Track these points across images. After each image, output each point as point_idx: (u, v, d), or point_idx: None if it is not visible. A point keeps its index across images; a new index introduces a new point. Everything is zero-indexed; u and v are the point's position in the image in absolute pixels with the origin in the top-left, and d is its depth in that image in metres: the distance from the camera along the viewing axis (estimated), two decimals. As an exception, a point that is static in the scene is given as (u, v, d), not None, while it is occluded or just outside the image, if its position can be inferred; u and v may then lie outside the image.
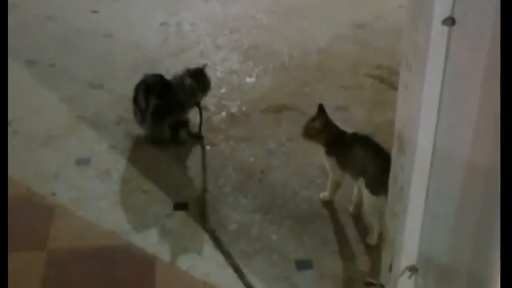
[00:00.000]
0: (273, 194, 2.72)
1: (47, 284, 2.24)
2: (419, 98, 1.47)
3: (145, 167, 2.88)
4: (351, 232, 2.53)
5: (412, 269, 1.67)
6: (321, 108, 2.55)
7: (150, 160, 2.93)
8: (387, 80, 3.64)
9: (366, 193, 2.39)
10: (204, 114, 3.26)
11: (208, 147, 3.03)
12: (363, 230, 2.51)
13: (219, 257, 2.36)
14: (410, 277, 1.67)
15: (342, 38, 4.20)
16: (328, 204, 2.65)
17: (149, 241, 2.43)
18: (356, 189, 2.55)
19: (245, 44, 4.10)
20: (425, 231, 1.60)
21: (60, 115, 3.25)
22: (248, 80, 3.65)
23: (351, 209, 2.62)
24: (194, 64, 3.76)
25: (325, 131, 2.54)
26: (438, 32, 1.37)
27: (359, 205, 2.57)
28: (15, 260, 2.33)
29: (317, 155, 2.61)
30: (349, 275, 2.29)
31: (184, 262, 2.34)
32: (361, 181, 2.41)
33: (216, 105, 3.37)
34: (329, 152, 2.54)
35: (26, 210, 2.62)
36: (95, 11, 4.58)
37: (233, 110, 3.33)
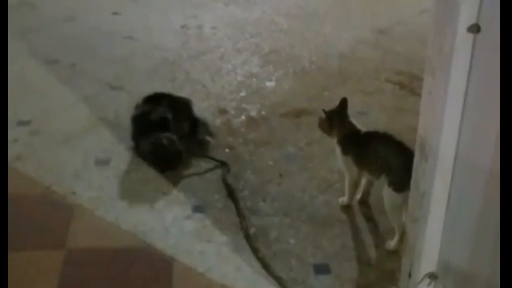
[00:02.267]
0: (291, 198, 2.72)
1: (65, 283, 2.24)
2: (443, 105, 1.46)
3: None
4: (370, 237, 2.51)
5: (432, 276, 1.66)
6: (343, 102, 2.53)
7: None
8: (408, 86, 3.63)
9: (389, 191, 2.34)
10: (223, 117, 3.28)
11: (227, 150, 3.03)
12: (381, 236, 2.50)
13: (237, 260, 2.36)
14: (429, 284, 1.66)
15: (363, 43, 4.19)
16: (347, 208, 2.64)
17: (167, 243, 2.43)
18: (365, 180, 2.57)
19: (265, 48, 4.10)
20: (446, 237, 1.59)
21: (80, 115, 3.27)
22: (268, 84, 3.65)
23: (358, 197, 2.64)
24: (214, 67, 3.80)
25: (336, 127, 2.53)
26: (463, 39, 1.37)
27: (366, 193, 2.62)
28: (33, 259, 2.36)
29: (336, 159, 2.59)
30: (367, 280, 2.28)
31: (202, 264, 2.34)
32: (383, 179, 2.37)
33: (235, 109, 3.38)
34: (345, 150, 2.52)
35: (46, 209, 2.64)
36: (116, 13, 4.61)
37: (253, 113, 3.33)
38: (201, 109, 3.36)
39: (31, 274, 2.29)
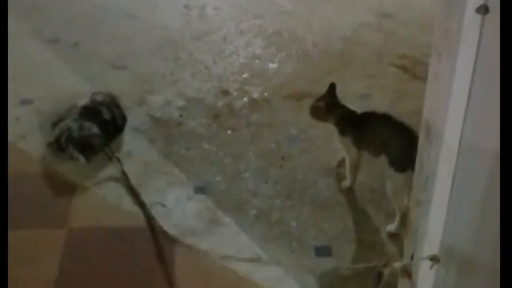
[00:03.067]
0: (293, 180, 2.72)
1: (67, 262, 2.26)
2: (449, 88, 1.45)
3: (166, 149, 2.89)
4: (371, 220, 2.52)
5: (434, 259, 1.66)
6: (331, 88, 2.56)
7: (171, 142, 2.93)
8: (411, 70, 3.61)
9: (390, 172, 2.35)
10: (226, 98, 3.27)
11: (229, 132, 3.03)
12: (383, 218, 2.50)
13: (239, 241, 2.36)
14: (431, 267, 1.66)
15: (367, 26, 4.16)
16: (349, 191, 2.65)
17: (170, 223, 2.44)
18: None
19: (269, 30, 4.08)
20: (449, 221, 1.59)
21: (82, 94, 3.26)
22: (270, 66, 3.64)
23: (336, 164, 2.70)
24: (217, 48, 3.79)
25: (331, 111, 2.55)
26: (471, 20, 1.35)
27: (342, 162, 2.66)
28: (36, 237, 2.37)
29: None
30: (368, 263, 2.28)
31: (204, 245, 2.35)
32: (384, 159, 2.38)
33: (238, 90, 3.37)
34: (343, 131, 2.54)
35: (48, 188, 2.64)
36: (119, -8, 4.59)
37: (255, 95, 3.33)
38: (204, 90, 3.35)
39: (33, 252, 2.30)
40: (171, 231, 2.40)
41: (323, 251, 2.34)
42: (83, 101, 2.97)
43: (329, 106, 2.55)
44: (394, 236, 2.39)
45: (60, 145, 2.78)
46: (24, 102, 3.19)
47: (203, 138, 2.98)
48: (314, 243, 2.38)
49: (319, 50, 3.85)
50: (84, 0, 4.43)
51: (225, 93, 3.34)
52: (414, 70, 3.58)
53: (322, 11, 4.40)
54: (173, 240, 2.36)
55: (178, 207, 2.53)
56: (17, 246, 2.30)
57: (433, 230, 1.63)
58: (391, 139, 2.37)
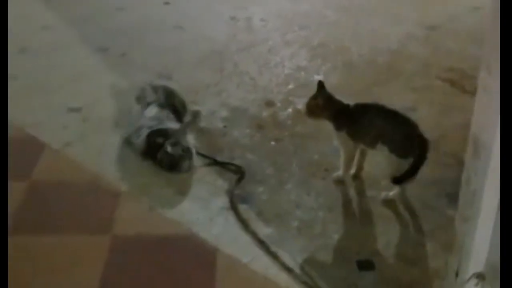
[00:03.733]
0: (336, 192, 2.70)
1: (109, 268, 2.27)
2: (498, 102, 1.42)
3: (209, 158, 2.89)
4: (415, 234, 2.48)
5: (480, 277, 1.63)
6: (320, 85, 2.63)
7: (214, 152, 2.93)
8: (458, 83, 3.56)
9: (392, 158, 2.47)
10: (270, 109, 3.28)
11: (272, 143, 3.02)
12: (428, 233, 2.46)
13: (280, 253, 2.35)
14: (477, 284, 1.63)
15: (414, 38, 4.13)
16: (392, 206, 2.61)
17: (212, 232, 2.44)
18: (359, 154, 2.69)
19: (314, 41, 4.08)
20: (496, 237, 1.56)
21: (129, 103, 3.29)
22: (316, 77, 3.62)
23: (352, 171, 2.73)
24: (263, 59, 3.80)
25: (327, 107, 2.62)
26: (522, 33, 1.33)
27: (360, 168, 2.73)
28: (79, 243, 2.40)
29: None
30: (412, 279, 2.24)
31: (245, 255, 2.34)
32: (382, 148, 2.49)
33: (282, 101, 3.37)
34: (338, 126, 2.61)
35: (93, 195, 2.67)
36: (166, 3, 4.65)
37: (300, 107, 3.31)
38: (248, 101, 3.36)
39: (76, 258, 2.32)
40: (212, 240, 2.40)
41: (365, 265, 2.31)
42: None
43: (325, 102, 2.61)
44: (439, 252, 2.34)
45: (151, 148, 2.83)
46: (72, 110, 3.24)
47: (246, 148, 2.98)
48: (356, 257, 2.35)
49: (364, 62, 3.83)
50: (132, 11, 4.50)
51: (270, 104, 3.34)
52: (462, 83, 3.53)
53: (368, 22, 4.38)
54: (214, 250, 2.36)
55: (221, 217, 2.53)
56: (61, 252, 2.33)
57: (479, 246, 1.60)
58: (387, 127, 2.49)
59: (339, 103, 2.62)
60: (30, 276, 2.22)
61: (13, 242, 2.35)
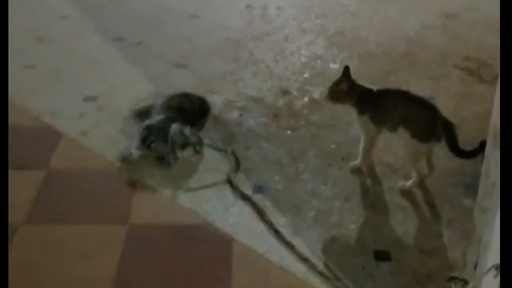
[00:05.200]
0: (353, 182, 2.69)
1: (126, 257, 2.28)
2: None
3: (225, 148, 2.88)
4: (433, 225, 2.47)
5: (499, 268, 1.61)
6: (346, 70, 2.63)
7: (230, 142, 2.93)
8: (476, 73, 3.53)
9: (413, 142, 2.48)
10: (286, 98, 3.26)
11: (289, 132, 3.01)
12: (445, 224, 2.45)
13: (295, 242, 2.34)
14: (496, 276, 1.61)
15: (431, 27, 4.09)
16: (410, 196, 2.59)
17: (228, 222, 2.44)
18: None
19: (331, 30, 4.05)
20: (516, 229, 1.54)
21: (145, 92, 3.30)
22: (332, 66, 3.60)
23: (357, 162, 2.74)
24: (278, 47, 3.78)
25: (351, 92, 2.61)
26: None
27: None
28: (96, 232, 2.41)
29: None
30: (429, 269, 2.23)
31: (261, 245, 2.34)
32: (403, 131, 2.49)
33: (298, 90, 3.35)
34: (361, 110, 2.62)
35: (109, 184, 2.68)
36: (182, -8, 4.63)
37: (316, 95, 3.30)
38: (264, 89, 3.35)
39: (94, 247, 2.33)
40: (228, 230, 2.40)
41: (382, 256, 2.30)
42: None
43: (349, 88, 2.61)
44: (456, 243, 2.33)
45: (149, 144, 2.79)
46: (88, 99, 3.24)
47: (262, 137, 2.97)
48: (373, 247, 2.34)
49: (382, 51, 3.80)
50: (148, 0, 4.49)
51: (286, 92, 3.33)
52: (479, 72, 3.50)
53: (386, 11, 4.34)
54: (230, 239, 2.36)
55: (236, 206, 2.53)
56: (77, 242, 2.35)
57: (498, 238, 1.58)
58: (410, 112, 2.49)
59: (362, 88, 2.63)
60: (47, 265, 2.23)
61: (31, 230, 2.38)
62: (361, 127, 2.67)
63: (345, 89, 2.61)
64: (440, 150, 2.56)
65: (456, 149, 2.47)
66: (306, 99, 3.28)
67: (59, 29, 4.03)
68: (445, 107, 3.11)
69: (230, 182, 2.64)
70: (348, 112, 3.07)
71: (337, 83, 2.65)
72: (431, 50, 3.80)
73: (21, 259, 2.24)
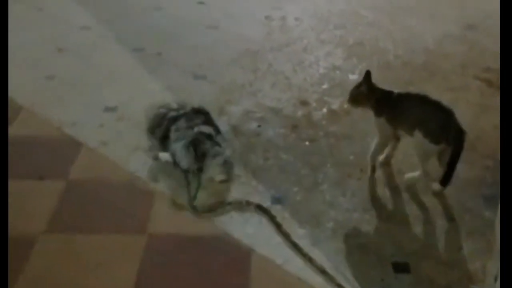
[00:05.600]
0: (372, 193, 2.68)
1: (145, 267, 2.29)
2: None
3: (244, 159, 2.89)
4: (452, 237, 2.45)
5: (519, 281, 1.60)
6: (368, 74, 2.69)
7: (249, 152, 2.94)
8: (495, 84, 3.51)
9: (425, 142, 2.52)
10: (305, 109, 3.26)
11: (307, 143, 3.01)
12: (464, 236, 2.43)
13: (314, 254, 2.34)
14: (516, 289, 1.60)
15: (450, 38, 4.08)
16: (429, 207, 2.58)
17: (246, 233, 2.44)
18: (391, 146, 2.79)
19: (350, 41, 4.05)
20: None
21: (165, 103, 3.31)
22: (351, 77, 3.60)
23: (381, 158, 2.81)
24: (297, 58, 3.79)
25: (371, 95, 2.68)
26: None
27: (389, 156, 2.82)
28: (115, 242, 2.42)
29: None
30: (449, 281, 2.22)
31: (279, 256, 2.34)
32: (418, 133, 2.53)
33: (317, 101, 3.35)
34: (378, 112, 2.68)
35: (128, 194, 2.69)
36: (201, 2, 4.65)
37: (334, 106, 3.30)
38: (283, 100, 3.35)
39: (112, 257, 2.34)
40: (247, 241, 2.40)
41: (401, 267, 2.29)
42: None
43: (369, 91, 2.68)
44: (475, 255, 2.31)
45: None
46: (108, 109, 3.26)
47: (280, 148, 2.97)
48: (392, 259, 2.33)
49: (401, 62, 3.79)
50: (167, 10, 4.51)
51: (304, 103, 3.33)
52: (499, 83, 3.47)
53: (405, 21, 4.34)
54: (248, 250, 2.36)
55: (255, 217, 2.53)
56: (97, 251, 2.36)
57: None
58: (426, 114, 2.54)
59: (382, 90, 2.69)
60: (66, 274, 2.25)
61: (51, 240, 2.40)
62: (377, 128, 2.73)
63: (365, 91, 2.67)
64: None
65: (455, 158, 2.50)
66: (324, 110, 3.28)
67: (79, 40, 4.07)
68: (464, 118, 3.10)
69: (248, 202, 2.63)
70: (367, 123, 3.08)
71: (357, 86, 2.72)
72: (450, 61, 3.78)
73: (40, 268, 2.26)
